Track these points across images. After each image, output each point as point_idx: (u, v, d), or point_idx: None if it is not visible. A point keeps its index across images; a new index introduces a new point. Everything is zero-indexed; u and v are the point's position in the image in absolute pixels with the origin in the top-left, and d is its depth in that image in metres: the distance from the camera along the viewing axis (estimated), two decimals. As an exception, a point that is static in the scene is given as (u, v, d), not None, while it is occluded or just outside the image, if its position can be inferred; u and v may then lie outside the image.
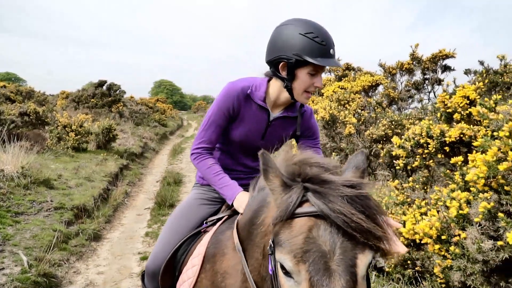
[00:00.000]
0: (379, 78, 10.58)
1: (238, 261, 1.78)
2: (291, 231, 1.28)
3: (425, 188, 3.94)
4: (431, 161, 3.62)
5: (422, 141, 3.54)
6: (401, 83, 11.24)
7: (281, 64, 2.17)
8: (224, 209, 2.44)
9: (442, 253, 2.17)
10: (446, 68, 10.72)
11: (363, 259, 1.25)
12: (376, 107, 8.88)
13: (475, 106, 2.90)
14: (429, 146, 3.50)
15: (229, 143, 2.47)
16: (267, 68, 2.34)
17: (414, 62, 10.80)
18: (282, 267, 1.28)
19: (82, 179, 8.88)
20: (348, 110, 8.39)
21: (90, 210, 7.35)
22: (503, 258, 1.87)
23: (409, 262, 4.21)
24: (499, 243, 1.83)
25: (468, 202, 2.22)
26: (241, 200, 2.17)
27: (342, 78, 11.93)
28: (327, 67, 2.24)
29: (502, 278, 2.50)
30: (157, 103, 38.51)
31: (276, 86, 2.31)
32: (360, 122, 8.46)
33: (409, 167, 3.79)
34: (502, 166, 1.86)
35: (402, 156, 3.82)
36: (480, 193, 2.12)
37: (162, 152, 18.20)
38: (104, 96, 21.75)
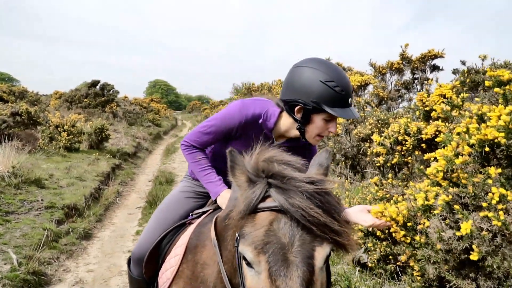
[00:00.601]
0: (368, 77, 10.69)
1: (215, 253, 1.84)
2: (254, 225, 1.37)
3: (407, 184, 4.04)
4: (409, 158, 3.72)
5: (400, 138, 3.64)
6: (391, 83, 11.36)
7: (298, 107, 2.15)
8: (210, 203, 2.51)
9: (408, 240, 2.28)
10: (435, 68, 10.84)
11: (321, 252, 1.33)
12: (365, 107, 8.97)
13: (455, 106, 2.99)
14: (406, 143, 3.60)
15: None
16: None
17: (403, 62, 10.91)
18: (244, 258, 1.36)
19: (74, 178, 8.93)
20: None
21: (81, 209, 7.40)
22: (464, 247, 1.97)
23: (390, 257, 4.31)
24: (457, 233, 1.92)
25: (438, 195, 2.31)
26: (224, 197, 2.25)
27: (332, 78, 12.01)
28: None
29: (472, 271, 2.60)
30: (151, 103, 38.50)
31: (287, 121, 2.28)
32: (349, 121, 8.56)
33: (389, 164, 3.90)
34: (458, 160, 1.96)
35: (382, 153, 3.91)
36: (450, 188, 2.21)
37: (156, 152, 18.22)
38: (98, 96, 21.76)
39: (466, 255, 2.43)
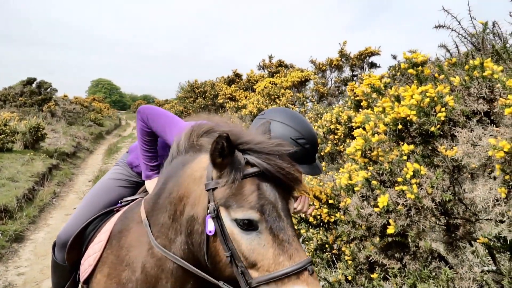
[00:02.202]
0: (308, 74, 10.89)
1: (142, 233, 1.88)
2: (243, 191, 1.50)
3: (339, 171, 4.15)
4: (341, 146, 3.82)
5: (332, 127, 3.73)
6: (331, 79, 11.63)
7: None
8: (140, 191, 2.51)
9: (332, 219, 2.34)
10: (373, 65, 11.21)
11: (291, 204, 1.59)
12: (305, 102, 9.14)
13: (380, 93, 3.09)
14: (338, 131, 3.70)
15: None
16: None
17: (342, 59, 11.20)
18: (241, 224, 1.48)
19: (5, 179, 8.49)
20: (277, 105, 8.60)
21: (12, 211, 7.05)
22: (382, 223, 2.04)
23: (326, 245, 4.42)
24: (376, 209, 1.99)
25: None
26: (154, 182, 2.22)
27: (275, 75, 12.19)
28: None
29: (398, 251, 2.71)
30: (93, 102, 37.38)
31: None
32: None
33: (322, 153, 3.98)
34: (375, 138, 2.03)
35: (317, 143, 4.00)
36: (369, 166, 2.29)
37: (97, 152, 17.71)
38: (34, 95, 20.76)
39: (393, 238, 2.53)
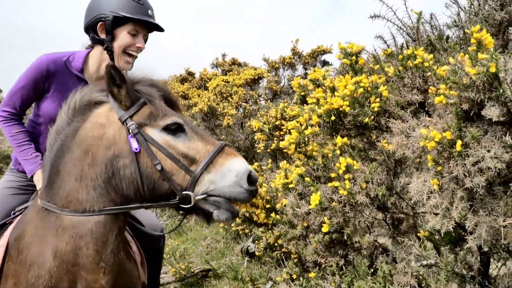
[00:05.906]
0: (261, 72, 10.83)
1: (37, 227, 1.84)
2: (160, 107, 1.79)
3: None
4: (287, 142, 3.74)
5: (277, 123, 3.65)
6: (285, 77, 11.59)
7: (99, 24, 2.14)
8: (33, 196, 2.25)
9: (270, 221, 2.25)
10: (325, 63, 11.24)
11: None
12: (257, 100, 9.07)
13: (316, 84, 3.05)
14: (283, 127, 3.62)
15: (40, 119, 2.29)
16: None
17: (295, 57, 11.18)
18: (172, 129, 1.76)
19: None
20: (229, 103, 8.49)
21: None
22: (320, 221, 1.96)
23: (276, 245, 4.36)
24: (310, 206, 1.91)
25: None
26: (40, 176, 2.09)
27: (228, 73, 12.06)
28: (155, 30, 2.36)
29: (341, 248, 2.66)
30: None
31: (96, 54, 2.23)
32: (243, 114, 8.58)
33: (269, 150, 3.90)
34: (308, 131, 1.96)
35: (263, 139, 3.92)
36: (299, 161, 2.22)
37: (45, 155, 17.04)
38: (-24, 96, 19.69)
39: (336, 234, 2.47)
